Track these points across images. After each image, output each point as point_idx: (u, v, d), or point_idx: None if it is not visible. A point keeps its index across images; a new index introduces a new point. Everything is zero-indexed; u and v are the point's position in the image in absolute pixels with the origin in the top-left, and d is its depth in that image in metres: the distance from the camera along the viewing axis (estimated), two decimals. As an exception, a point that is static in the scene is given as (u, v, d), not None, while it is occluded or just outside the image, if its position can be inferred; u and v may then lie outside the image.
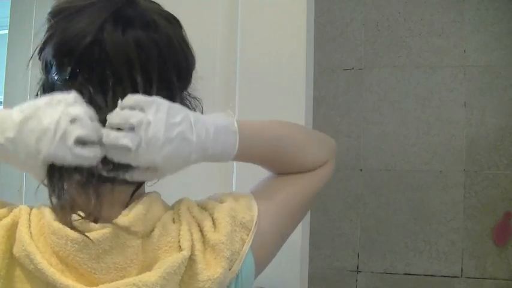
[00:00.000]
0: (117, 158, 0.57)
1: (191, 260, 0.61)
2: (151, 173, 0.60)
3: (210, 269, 0.60)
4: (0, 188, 1.41)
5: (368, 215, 1.91)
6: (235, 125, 0.67)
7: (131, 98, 0.58)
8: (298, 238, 1.06)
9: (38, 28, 1.36)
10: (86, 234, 0.57)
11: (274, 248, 0.72)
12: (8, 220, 0.59)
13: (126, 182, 0.61)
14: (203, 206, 0.68)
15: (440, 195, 1.85)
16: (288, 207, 0.73)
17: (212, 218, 0.65)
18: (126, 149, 0.56)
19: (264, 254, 0.69)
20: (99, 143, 0.57)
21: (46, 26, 0.65)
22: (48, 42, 0.64)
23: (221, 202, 0.69)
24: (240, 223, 0.65)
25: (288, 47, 1.14)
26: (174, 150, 0.59)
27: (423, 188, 1.87)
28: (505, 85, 1.82)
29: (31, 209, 0.62)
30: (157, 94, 0.61)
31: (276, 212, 0.71)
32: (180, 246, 0.61)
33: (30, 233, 0.58)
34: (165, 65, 0.64)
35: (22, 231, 0.58)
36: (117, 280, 0.58)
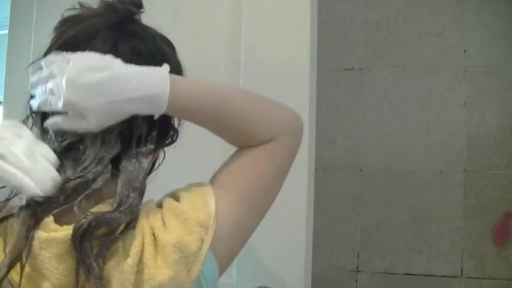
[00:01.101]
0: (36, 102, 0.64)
1: (143, 264, 0.60)
2: (75, 119, 0.62)
3: (161, 273, 0.59)
4: (0, 187, 1.40)
5: (368, 215, 1.91)
6: (166, 75, 0.65)
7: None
8: (303, 237, 1.06)
9: (38, 28, 1.37)
10: (50, 233, 0.58)
11: (235, 243, 0.70)
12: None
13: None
14: (160, 205, 0.67)
15: (440, 195, 1.85)
16: (245, 198, 0.70)
17: (163, 219, 0.64)
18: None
19: (225, 251, 0.67)
20: None
21: (53, 33, 0.68)
22: (52, 46, 0.67)
23: (177, 200, 0.67)
24: (197, 223, 0.63)
25: (291, 48, 1.14)
26: (88, 93, 0.61)
27: (423, 188, 1.86)
28: (505, 85, 1.82)
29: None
30: None
31: (232, 205, 0.68)
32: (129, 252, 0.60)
33: (5, 242, 0.60)
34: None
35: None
36: (71, 282, 0.58)
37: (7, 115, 1.47)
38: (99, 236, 0.58)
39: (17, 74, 1.41)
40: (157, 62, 0.66)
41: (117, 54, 0.64)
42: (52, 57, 0.65)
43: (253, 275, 1.07)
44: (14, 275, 0.58)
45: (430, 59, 1.89)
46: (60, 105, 0.61)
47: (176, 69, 0.72)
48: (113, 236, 0.58)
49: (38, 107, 0.65)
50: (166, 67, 0.65)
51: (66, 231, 0.59)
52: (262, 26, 1.16)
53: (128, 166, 0.63)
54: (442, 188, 1.85)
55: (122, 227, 0.59)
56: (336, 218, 1.93)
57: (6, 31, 1.47)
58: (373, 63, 1.94)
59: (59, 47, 0.66)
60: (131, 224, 0.59)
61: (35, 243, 0.58)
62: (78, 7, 0.68)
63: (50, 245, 0.58)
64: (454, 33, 1.87)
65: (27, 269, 0.59)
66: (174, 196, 0.68)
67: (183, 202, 0.66)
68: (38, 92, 0.64)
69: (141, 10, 0.69)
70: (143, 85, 0.62)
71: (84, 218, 0.58)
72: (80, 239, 0.57)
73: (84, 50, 0.64)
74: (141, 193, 0.62)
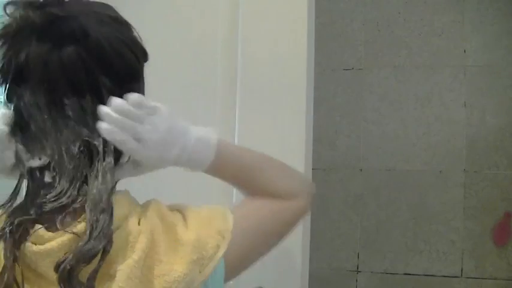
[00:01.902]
0: (124, 147, 0.64)
1: (154, 260, 0.61)
2: (136, 169, 0.66)
3: (177, 269, 0.61)
4: (0, 187, 1.41)
5: (368, 215, 1.91)
6: (215, 139, 0.72)
7: (136, 97, 0.65)
8: (299, 238, 1.06)
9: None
10: (46, 245, 0.58)
11: (244, 262, 0.74)
12: None
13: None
14: (176, 208, 0.69)
15: (440, 195, 1.85)
16: (261, 227, 0.75)
17: (184, 218, 0.67)
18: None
19: (235, 266, 0.71)
20: None
21: None
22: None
23: (197, 208, 0.71)
24: (217, 230, 0.67)
25: (288, 48, 1.14)
26: (168, 147, 0.66)
27: (423, 188, 1.86)
28: (505, 85, 1.82)
29: None
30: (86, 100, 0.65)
31: (249, 228, 0.73)
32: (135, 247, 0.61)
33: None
34: (93, 74, 0.65)
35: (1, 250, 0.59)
36: None
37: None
38: (82, 271, 0.58)
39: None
40: (86, 61, 0.65)
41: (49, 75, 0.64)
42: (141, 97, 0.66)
43: (250, 276, 1.07)
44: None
45: (430, 59, 1.89)
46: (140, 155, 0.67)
47: (118, 51, 0.68)
48: (97, 265, 0.58)
49: (113, 143, 0.65)
50: (211, 131, 0.72)
51: (61, 237, 0.59)
52: (259, 26, 1.17)
53: (91, 189, 0.62)
54: (442, 188, 1.85)
55: (99, 254, 0.58)
56: (336, 218, 1.93)
57: (7, 31, 1.47)
58: (373, 63, 1.94)
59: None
60: (107, 248, 0.59)
61: (32, 257, 0.59)
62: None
63: (48, 256, 0.58)
64: (454, 33, 1.87)
65: (31, 277, 0.59)
66: (193, 205, 0.72)
67: (204, 211, 0.70)
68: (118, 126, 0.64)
69: None
70: (196, 150, 0.70)
71: (63, 258, 0.57)
72: (68, 282, 0.57)
73: (15, 73, 0.64)
74: (110, 212, 0.61)
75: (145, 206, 0.68)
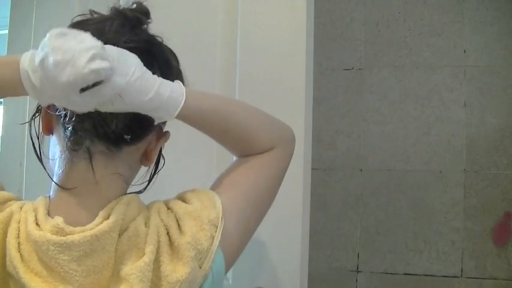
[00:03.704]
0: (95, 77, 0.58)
1: (159, 262, 0.62)
2: (117, 102, 0.61)
3: (179, 271, 0.62)
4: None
5: (368, 215, 1.91)
6: (183, 86, 0.69)
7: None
8: (298, 238, 1.06)
9: (38, 28, 1.37)
10: (68, 237, 0.59)
11: (241, 241, 0.74)
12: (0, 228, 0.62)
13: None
14: (169, 207, 0.69)
15: (440, 195, 1.85)
16: (249, 198, 0.74)
17: (177, 219, 0.67)
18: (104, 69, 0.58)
19: (232, 248, 0.71)
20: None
21: None
22: None
23: (185, 202, 0.70)
24: (208, 221, 0.66)
25: (288, 47, 1.14)
26: (141, 78, 0.62)
27: (423, 188, 1.86)
28: (505, 85, 1.82)
29: (20, 212, 0.64)
30: None
31: (238, 204, 0.72)
32: (144, 250, 0.62)
33: (18, 243, 0.61)
34: (167, 71, 0.70)
35: (10, 243, 0.61)
36: (93, 283, 0.60)
37: (7, 115, 1.47)
38: None
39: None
40: (168, 69, 0.70)
41: (129, 48, 0.65)
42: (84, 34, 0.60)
43: (249, 276, 1.07)
44: (29, 277, 0.59)
45: (430, 59, 1.89)
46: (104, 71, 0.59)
47: (180, 78, 0.74)
48: None
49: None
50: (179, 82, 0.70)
51: (84, 233, 0.60)
52: (258, 25, 1.16)
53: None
54: (442, 188, 1.85)
55: None
56: (336, 218, 1.93)
57: (6, 31, 1.47)
58: (373, 63, 1.94)
59: None
60: None
61: (51, 247, 0.59)
62: (89, 14, 0.69)
63: (68, 249, 0.59)
64: (454, 33, 1.87)
65: (42, 271, 0.60)
66: (181, 198, 0.71)
67: (193, 203, 0.69)
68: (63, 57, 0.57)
69: (149, 20, 0.71)
70: (164, 89, 0.65)
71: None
72: None
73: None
74: None
75: (150, 208, 0.69)
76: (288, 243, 1.06)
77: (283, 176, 0.81)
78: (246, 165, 0.77)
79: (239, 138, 0.76)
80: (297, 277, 1.08)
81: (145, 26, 0.71)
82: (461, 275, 1.80)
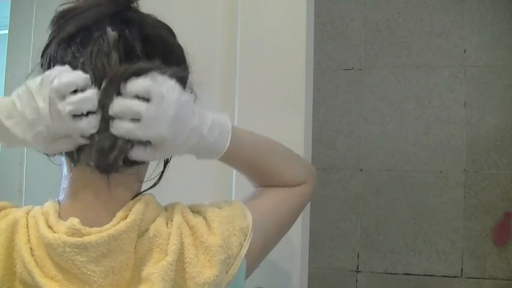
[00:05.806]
0: (122, 130, 0.58)
1: (184, 263, 0.62)
2: (151, 151, 0.61)
3: (207, 272, 0.62)
4: (0, 188, 1.41)
5: (368, 215, 1.91)
6: (229, 125, 0.71)
7: (137, 84, 0.59)
8: (298, 238, 1.06)
9: (38, 28, 1.37)
10: (84, 238, 0.58)
11: (261, 257, 0.75)
12: (5, 236, 0.60)
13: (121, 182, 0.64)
14: (196, 210, 0.69)
15: (440, 195, 1.85)
16: (274, 219, 0.77)
17: (206, 221, 0.66)
18: (136, 114, 0.58)
19: (253, 261, 0.71)
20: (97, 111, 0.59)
21: (51, 28, 0.66)
22: (53, 39, 0.65)
23: (217, 207, 0.70)
24: (240, 228, 0.67)
25: (288, 47, 1.14)
26: (179, 128, 0.61)
27: (423, 188, 1.86)
28: (505, 85, 1.82)
29: (27, 217, 0.62)
30: None
31: (264, 223, 0.73)
32: (167, 251, 0.62)
33: (30, 248, 0.60)
34: (166, 60, 0.66)
35: (22, 249, 0.59)
36: (112, 284, 0.59)
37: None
38: None
39: (17, 74, 1.41)
40: (165, 47, 0.67)
41: (126, 42, 0.63)
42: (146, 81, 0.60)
43: (249, 275, 1.07)
44: (46, 281, 0.58)
45: (430, 59, 1.89)
46: (146, 135, 0.60)
47: (180, 55, 0.71)
48: None
49: (113, 129, 0.59)
50: (226, 117, 0.71)
51: (101, 233, 0.59)
52: (258, 25, 1.16)
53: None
54: (442, 188, 1.85)
55: None
56: (336, 218, 1.93)
57: (6, 31, 1.47)
58: (373, 63, 1.94)
59: (60, 39, 0.63)
60: None
61: (67, 249, 0.58)
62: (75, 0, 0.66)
63: (85, 250, 0.58)
64: (454, 33, 1.87)
65: (57, 275, 0.58)
66: (212, 205, 0.72)
67: (224, 209, 0.70)
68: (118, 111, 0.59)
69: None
70: (211, 139, 0.67)
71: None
72: None
73: (87, 40, 0.62)
74: None
75: (170, 209, 0.68)
76: (288, 243, 1.06)
77: (301, 211, 0.85)
78: (274, 192, 0.79)
79: (266, 173, 0.79)
80: (297, 277, 1.08)
81: (135, 4, 0.67)
82: (461, 275, 1.80)
